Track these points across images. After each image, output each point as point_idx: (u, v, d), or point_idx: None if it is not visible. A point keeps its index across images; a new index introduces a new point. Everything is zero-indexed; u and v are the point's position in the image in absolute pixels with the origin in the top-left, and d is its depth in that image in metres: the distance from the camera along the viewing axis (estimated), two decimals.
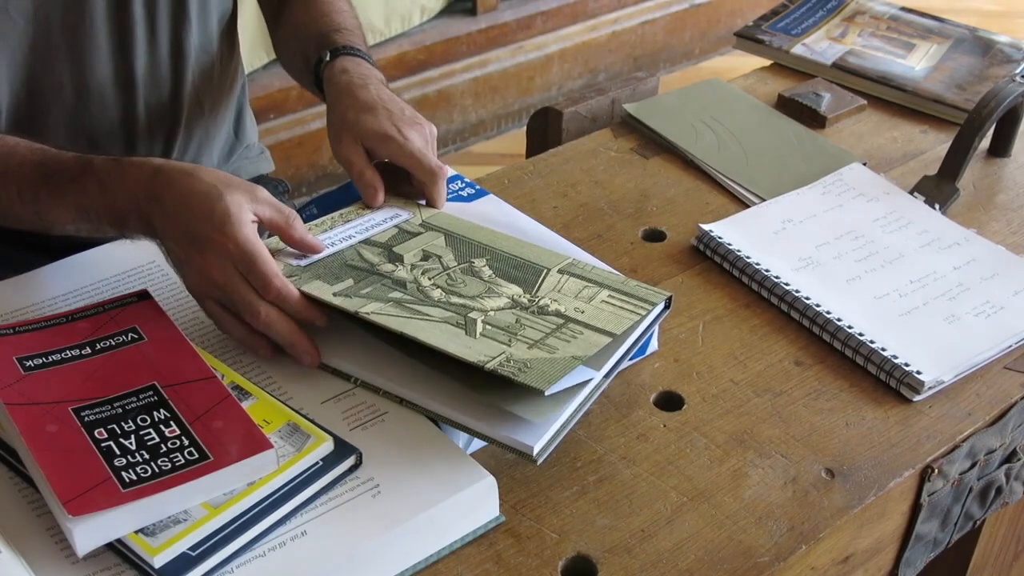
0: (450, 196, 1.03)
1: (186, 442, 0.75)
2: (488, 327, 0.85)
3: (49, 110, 1.09)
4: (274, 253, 0.89)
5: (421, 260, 0.93)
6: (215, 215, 0.84)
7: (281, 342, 0.86)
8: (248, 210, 0.86)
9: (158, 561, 0.69)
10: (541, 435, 0.80)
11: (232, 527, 0.72)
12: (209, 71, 1.20)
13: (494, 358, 0.81)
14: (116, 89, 1.12)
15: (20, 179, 0.91)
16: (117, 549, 0.72)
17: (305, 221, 1.04)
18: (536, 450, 0.79)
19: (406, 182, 1.01)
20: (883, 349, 0.94)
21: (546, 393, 0.78)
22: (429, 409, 0.83)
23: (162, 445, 0.75)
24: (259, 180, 1.35)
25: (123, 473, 0.72)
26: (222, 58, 1.22)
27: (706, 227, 1.08)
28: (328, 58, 1.07)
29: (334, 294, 0.87)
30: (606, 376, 0.86)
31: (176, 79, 1.16)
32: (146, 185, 0.87)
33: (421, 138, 0.98)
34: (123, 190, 0.88)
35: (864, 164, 1.21)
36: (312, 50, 1.12)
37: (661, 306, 0.90)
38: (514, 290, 0.89)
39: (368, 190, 0.98)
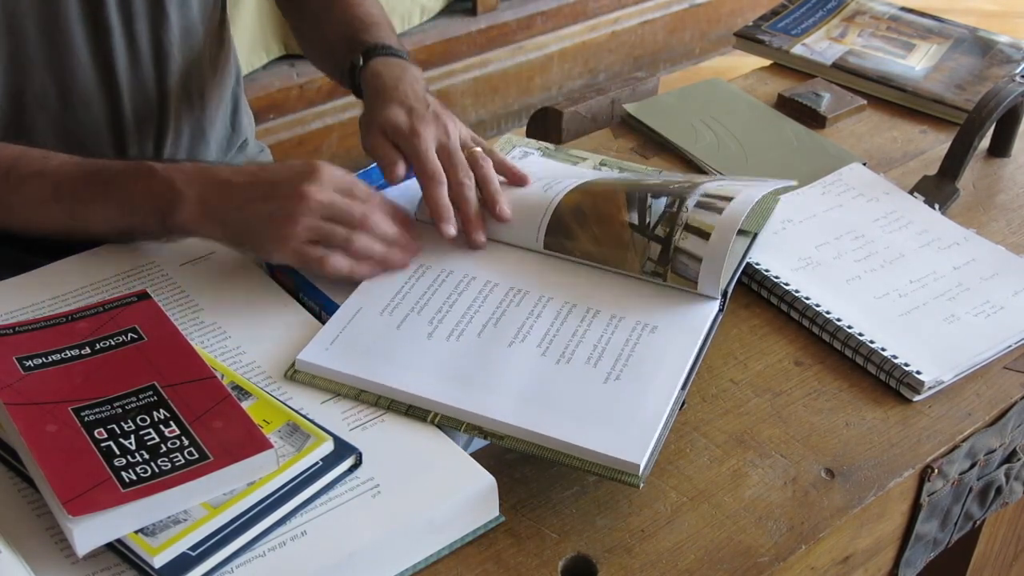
0: None
1: (186, 442, 0.75)
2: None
3: (35, 119, 1.08)
4: None
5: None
6: (303, 166, 0.92)
7: (384, 244, 0.94)
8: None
9: (158, 561, 0.69)
10: (643, 448, 0.79)
11: (232, 527, 0.72)
12: (197, 64, 1.19)
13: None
14: (100, 93, 1.11)
15: (59, 177, 0.93)
16: (117, 549, 0.72)
17: None
18: (642, 467, 0.78)
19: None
20: (883, 349, 0.94)
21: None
22: (530, 441, 0.81)
23: (162, 445, 0.75)
24: None
25: (123, 473, 0.72)
26: (211, 49, 1.21)
27: None
28: (361, 63, 1.09)
29: None
30: (682, 388, 0.85)
31: (160, 76, 1.15)
32: (211, 170, 0.93)
33: (435, 135, 0.99)
34: (182, 175, 0.92)
35: (864, 164, 1.21)
36: (342, 52, 1.13)
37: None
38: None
39: (387, 167, 1.00)
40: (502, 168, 1.03)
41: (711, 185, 0.99)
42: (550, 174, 1.08)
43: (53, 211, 0.93)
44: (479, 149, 1.02)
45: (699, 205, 0.95)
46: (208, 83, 1.22)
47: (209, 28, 1.20)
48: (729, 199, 0.95)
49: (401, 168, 1.00)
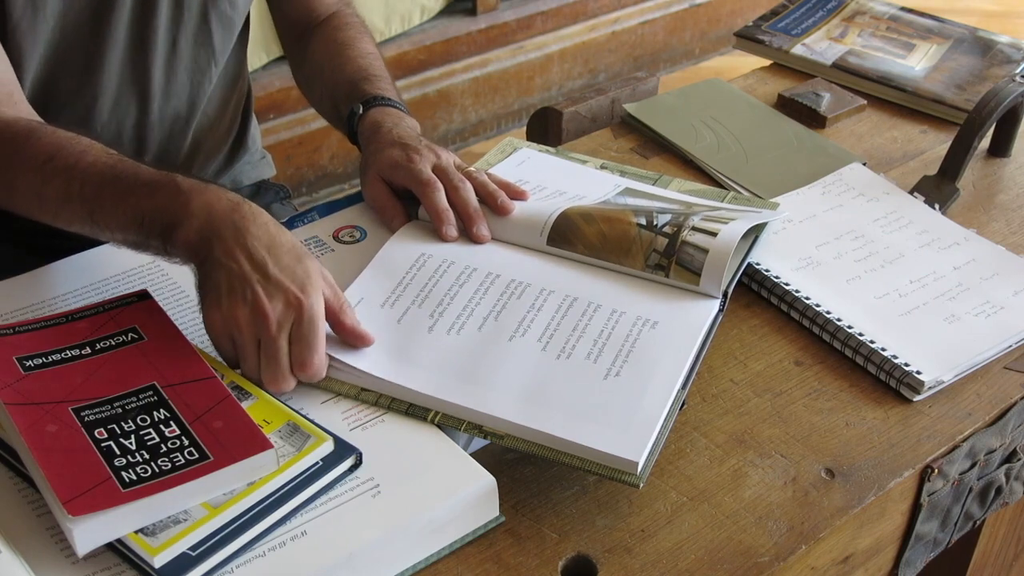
0: None
1: (186, 442, 0.75)
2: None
3: (61, 113, 1.09)
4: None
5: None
6: (299, 270, 0.83)
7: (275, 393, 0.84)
8: (322, 280, 0.85)
9: (158, 561, 0.69)
10: (642, 446, 0.79)
11: (232, 527, 0.72)
12: (223, 77, 1.21)
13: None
14: (131, 98, 1.12)
15: (86, 176, 0.90)
16: (117, 549, 0.72)
17: (306, 224, 1.04)
18: (641, 465, 0.78)
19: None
20: (883, 349, 0.94)
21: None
22: (535, 441, 0.81)
23: (162, 445, 0.75)
24: (260, 185, 1.35)
25: (123, 473, 0.72)
26: (231, 70, 1.23)
27: None
28: (360, 111, 1.11)
29: None
30: (682, 387, 0.86)
31: (192, 92, 1.17)
32: (230, 207, 0.85)
33: (428, 161, 1.03)
34: (201, 201, 0.85)
35: (864, 164, 1.21)
36: (343, 100, 1.15)
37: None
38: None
39: (387, 221, 1.04)
40: (500, 184, 1.05)
41: (710, 214, 1.01)
42: (554, 182, 1.09)
43: (76, 209, 0.91)
44: (473, 168, 1.06)
45: (704, 219, 0.98)
46: (225, 100, 1.24)
47: (237, 44, 1.22)
48: (729, 221, 0.98)
49: (399, 221, 1.03)
